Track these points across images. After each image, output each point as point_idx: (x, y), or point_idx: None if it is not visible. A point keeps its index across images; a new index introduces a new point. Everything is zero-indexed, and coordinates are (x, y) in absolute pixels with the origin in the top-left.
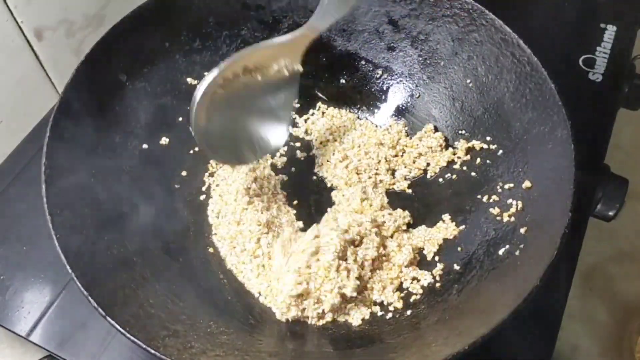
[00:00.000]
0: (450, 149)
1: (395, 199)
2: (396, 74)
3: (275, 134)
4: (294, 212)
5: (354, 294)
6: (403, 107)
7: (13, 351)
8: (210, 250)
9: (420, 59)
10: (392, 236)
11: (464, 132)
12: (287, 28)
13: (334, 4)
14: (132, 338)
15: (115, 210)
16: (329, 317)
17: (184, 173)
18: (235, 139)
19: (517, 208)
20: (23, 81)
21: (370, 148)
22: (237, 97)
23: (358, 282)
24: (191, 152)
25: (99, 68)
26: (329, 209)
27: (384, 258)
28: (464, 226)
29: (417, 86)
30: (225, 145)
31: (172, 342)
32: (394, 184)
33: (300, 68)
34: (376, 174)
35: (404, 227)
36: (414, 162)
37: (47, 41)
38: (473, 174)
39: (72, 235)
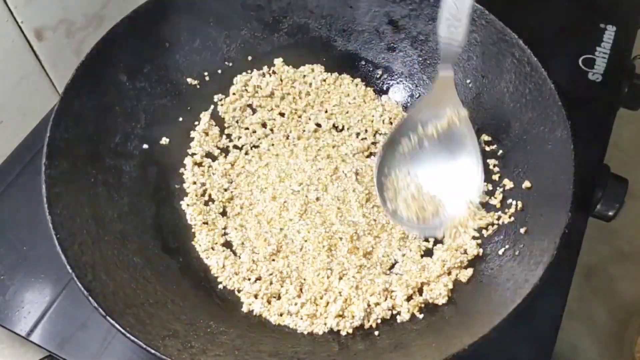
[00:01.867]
0: None
1: None
2: (396, 74)
3: (468, 187)
4: None
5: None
6: (403, 108)
7: (13, 351)
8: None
9: (420, 59)
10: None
11: None
12: (287, 28)
13: (448, 36)
14: (132, 338)
15: (115, 210)
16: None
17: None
18: (422, 199)
19: (517, 208)
20: (23, 81)
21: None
22: (420, 158)
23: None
24: (191, 152)
25: (99, 68)
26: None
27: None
28: None
29: (417, 86)
30: (409, 206)
31: (172, 342)
32: None
33: (465, 112)
34: None
35: None
36: None
37: (47, 41)
38: None
39: (72, 235)
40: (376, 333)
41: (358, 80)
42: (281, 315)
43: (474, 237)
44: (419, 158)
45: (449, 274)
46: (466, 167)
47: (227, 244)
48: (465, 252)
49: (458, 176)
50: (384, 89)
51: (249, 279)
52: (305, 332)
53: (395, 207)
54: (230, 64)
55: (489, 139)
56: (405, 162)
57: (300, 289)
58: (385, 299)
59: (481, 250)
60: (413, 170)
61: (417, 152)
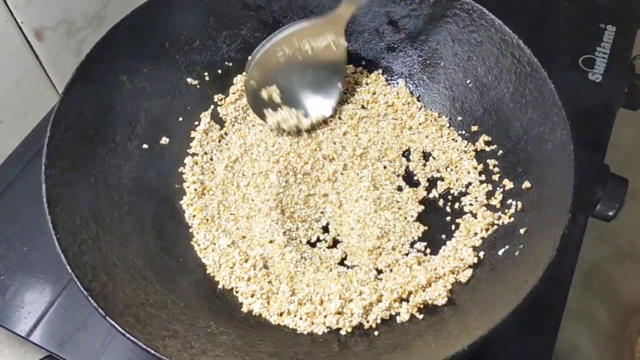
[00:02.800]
0: None
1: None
2: (396, 75)
3: (321, 106)
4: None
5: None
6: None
7: (13, 351)
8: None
9: (420, 59)
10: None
11: (463, 132)
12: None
13: None
14: (132, 338)
15: (115, 210)
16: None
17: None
18: (280, 103)
19: (517, 208)
20: (23, 81)
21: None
22: (289, 67)
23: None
24: (191, 152)
25: (99, 68)
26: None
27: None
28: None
29: (417, 87)
30: (269, 105)
31: (172, 342)
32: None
33: (345, 43)
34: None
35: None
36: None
37: (48, 41)
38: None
39: (72, 235)
40: (376, 333)
41: (361, 69)
42: (281, 315)
43: (472, 247)
44: (287, 68)
45: (440, 278)
46: (328, 86)
47: (230, 244)
48: (462, 259)
49: (319, 91)
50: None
51: (244, 278)
52: (305, 332)
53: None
54: (230, 64)
55: (489, 138)
56: (276, 69)
57: (293, 288)
58: (380, 301)
59: (476, 260)
60: (281, 78)
61: (288, 62)
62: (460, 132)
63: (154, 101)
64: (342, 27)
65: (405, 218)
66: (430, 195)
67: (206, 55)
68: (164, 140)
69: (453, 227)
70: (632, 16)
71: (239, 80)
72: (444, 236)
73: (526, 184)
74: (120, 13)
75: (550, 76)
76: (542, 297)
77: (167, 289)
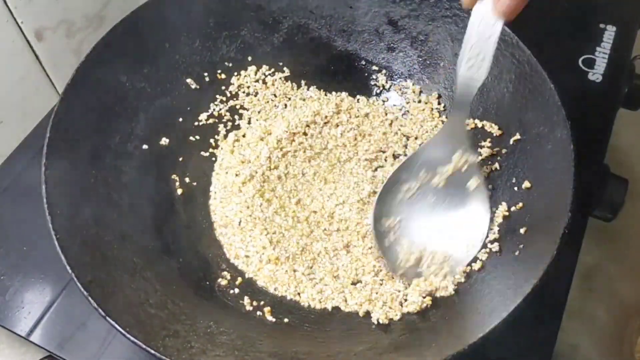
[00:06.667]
0: None
1: None
2: (396, 75)
3: (470, 240)
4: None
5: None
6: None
7: (13, 351)
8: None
9: (420, 59)
10: None
11: None
12: (286, 29)
13: (469, 75)
14: (132, 338)
15: (116, 210)
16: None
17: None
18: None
19: (517, 208)
20: (23, 81)
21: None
22: (421, 209)
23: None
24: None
25: (99, 68)
26: None
27: None
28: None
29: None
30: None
31: (172, 342)
32: None
33: (475, 158)
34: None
35: None
36: None
37: (47, 42)
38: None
39: (72, 236)
40: (376, 333)
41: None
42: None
43: None
44: (419, 208)
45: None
46: (469, 220)
47: None
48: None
49: (460, 229)
50: (386, 88)
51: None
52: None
53: (389, 244)
54: (230, 64)
55: (489, 139)
56: (404, 210)
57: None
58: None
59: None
60: (413, 219)
61: (418, 200)
62: None
63: (154, 101)
64: (464, 136)
65: None
66: None
67: (206, 55)
68: (164, 140)
69: None
70: (632, 16)
71: (237, 81)
72: None
73: (526, 184)
74: (120, 13)
75: (550, 76)
76: (542, 297)
77: (167, 289)
